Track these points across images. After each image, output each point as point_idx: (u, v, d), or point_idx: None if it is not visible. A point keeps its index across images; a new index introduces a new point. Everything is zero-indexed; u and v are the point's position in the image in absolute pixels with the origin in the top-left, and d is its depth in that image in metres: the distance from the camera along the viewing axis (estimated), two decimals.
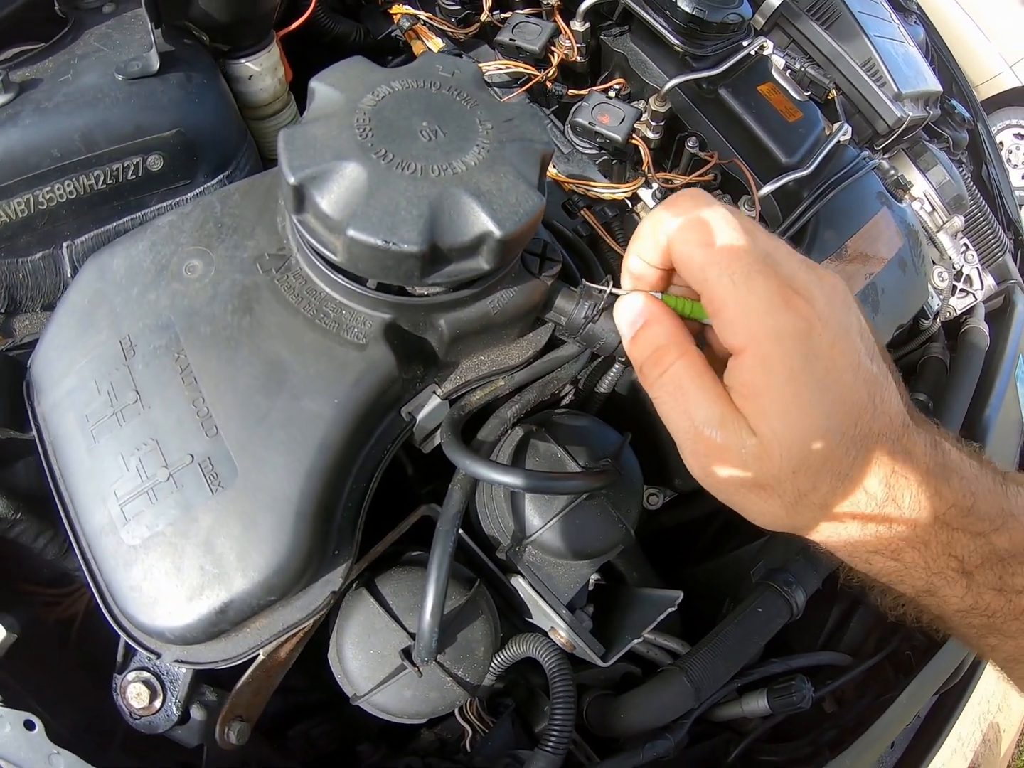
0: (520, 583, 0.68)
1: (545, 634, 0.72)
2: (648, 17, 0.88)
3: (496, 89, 0.93)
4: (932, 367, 1.04)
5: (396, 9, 0.97)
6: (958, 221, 1.09)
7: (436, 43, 0.94)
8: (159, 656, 0.57)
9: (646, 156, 0.88)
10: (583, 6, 0.91)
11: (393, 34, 0.97)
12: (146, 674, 0.62)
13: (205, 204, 0.63)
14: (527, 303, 0.59)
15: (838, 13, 1.00)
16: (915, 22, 1.37)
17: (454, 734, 0.79)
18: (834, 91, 0.99)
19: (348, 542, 0.58)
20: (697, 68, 0.90)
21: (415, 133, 0.52)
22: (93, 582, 0.57)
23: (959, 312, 1.11)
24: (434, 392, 0.62)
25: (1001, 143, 2.71)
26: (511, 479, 0.55)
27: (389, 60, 1.01)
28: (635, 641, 0.70)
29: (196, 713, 0.63)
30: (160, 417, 0.56)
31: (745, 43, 0.92)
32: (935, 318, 1.07)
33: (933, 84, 1.13)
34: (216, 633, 0.55)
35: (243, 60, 0.78)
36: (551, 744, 0.65)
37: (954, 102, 1.29)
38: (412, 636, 0.63)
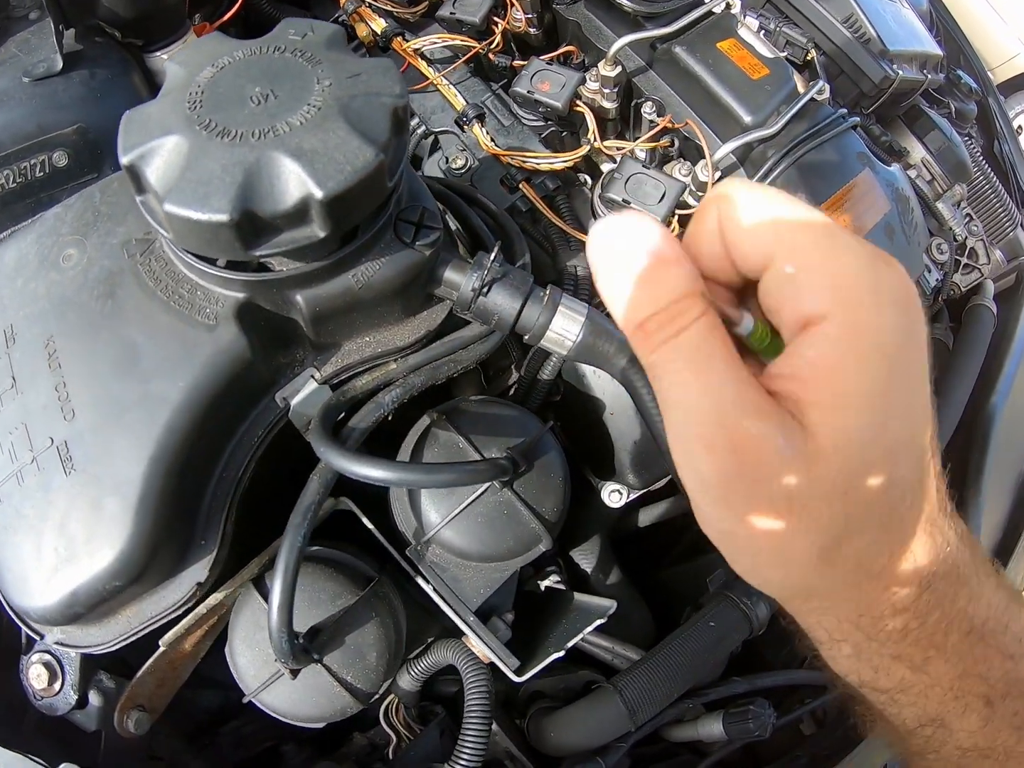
0: (424, 586, 0.63)
1: None
2: None
3: (438, 65, 0.88)
4: (933, 349, 0.92)
5: None
6: (960, 189, 0.97)
7: (379, 24, 0.90)
8: (42, 637, 0.58)
9: (592, 124, 0.82)
10: None
11: (340, 19, 0.94)
12: (47, 656, 0.62)
13: (87, 194, 0.62)
14: (399, 276, 0.54)
15: None
16: None
17: (385, 739, 0.75)
18: (813, 51, 0.89)
19: (215, 530, 0.55)
20: (650, 28, 0.83)
21: (245, 100, 0.48)
22: None
23: (964, 289, 0.99)
24: (312, 376, 0.58)
25: (1019, 128, 2.46)
26: (370, 471, 0.50)
27: None
28: (557, 655, 0.64)
29: (94, 699, 0.63)
30: (31, 402, 0.56)
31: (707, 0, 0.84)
32: (936, 296, 0.95)
33: (931, 47, 1.02)
34: (73, 616, 0.54)
35: (158, 53, 0.78)
36: (460, 763, 0.61)
37: (960, 72, 1.16)
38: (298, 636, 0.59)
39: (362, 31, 0.91)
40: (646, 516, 0.93)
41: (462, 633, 0.69)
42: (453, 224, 0.68)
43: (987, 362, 0.88)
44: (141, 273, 0.55)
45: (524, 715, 0.78)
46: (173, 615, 0.56)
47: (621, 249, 0.32)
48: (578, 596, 0.74)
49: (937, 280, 0.89)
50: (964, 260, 0.97)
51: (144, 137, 0.47)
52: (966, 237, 0.98)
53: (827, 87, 0.82)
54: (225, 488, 0.56)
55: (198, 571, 0.55)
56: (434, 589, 0.62)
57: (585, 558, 0.88)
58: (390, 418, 0.57)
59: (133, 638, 0.57)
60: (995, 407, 0.85)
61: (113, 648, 0.57)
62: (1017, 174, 1.11)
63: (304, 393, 0.57)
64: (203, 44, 0.54)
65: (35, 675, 0.62)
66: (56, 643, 0.58)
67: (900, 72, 0.91)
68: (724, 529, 0.33)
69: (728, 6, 0.86)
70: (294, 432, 0.59)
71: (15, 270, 0.61)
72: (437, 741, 0.73)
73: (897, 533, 0.33)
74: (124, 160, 0.47)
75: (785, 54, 0.87)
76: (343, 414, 0.58)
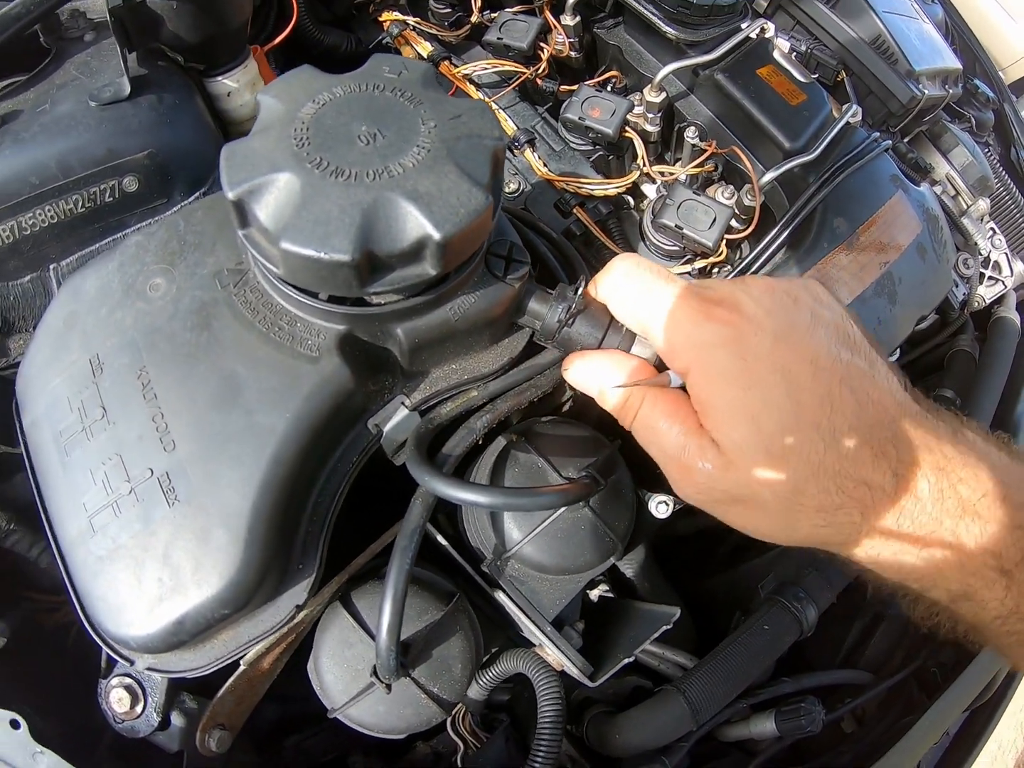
0: (503, 599, 0.64)
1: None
2: (637, 6, 0.83)
3: (486, 89, 0.89)
4: (959, 361, 0.95)
5: (386, 16, 0.94)
6: (983, 204, 1.00)
7: (425, 47, 0.91)
8: (132, 663, 0.57)
9: (640, 149, 0.83)
10: None
11: (384, 41, 0.95)
12: (128, 680, 0.63)
13: (170, 223, 0.61)
14: (492, 308, 0.55)
15: None
16: (933, 0, 1.27)
17: (449, 748, 0.76)
18: (843, 72, 0.92)
19: (312, 556, 0.55)
20: (692, 55, 0.84)
21: (353, 138, 0.48)
22: (73, 590, 0.56)
23: (988, 301, 1.02)
24: (402, 403, 0.58)
25: None
26: (473, 496, 0.52)
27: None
28: (627, 660, 0.65)
29: (176, 719, 0.63)
30: (124, 432, 0.55)
31: (744, 26, 0.86)
32: (963, 308, 0.98)
33: (951, 61, 1.04)
34: (176, 644, 0.54)
35: (220, 78, 0.77)
36: (539, 762, 0.62)
37: (977, 81, 1.19)
38: None
39: (408, 54, 0.92)
40: (685, 524, 0.95)
41: (528, 642, 0.71)
42: None
43: (1013, 371, 0.90)
44: (236, 304, 0.55)
45: (578, 720, 0.80)
46: (271, 637, 0.56)
47: (588, 381, 0.54)
48: (640, 604, 0.76)
49: (964, 294, 0.92)
50: (988, 273, 1.00)
51: (251, 172, 0.47)
52: (990, 251, 1.01)
53: (859, 110, 0.84)
54: (321, 513, 0.56)
55: (297, 594, 0.55)
56: (513, 601, 0.64)
57: (631, 567, 0.89)
58: (480, 442, 0.59)
59: (228, 661, 0.57)
60: (1021, 416, 0.87)
61: (207, 672, 0.57)
62: None
63: (396, 420, 0.58)
64: (296, 78, 0.54)
65: (116, 699, 0.62)
66: (148, 668, 0.57)
67: (926, 91, 0.93)
68: (722, 519, 0.49)
69: (763, 31, 0.87)
70: (378, 454, 0.60)
71: (98, 299, 0.60)
72: (503, 748, 0.74)
73: (843, 474, 0.42)
74: (231, 195, 0.47)
75: (816, 76, 0.89)
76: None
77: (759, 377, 0.42)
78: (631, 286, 0.49)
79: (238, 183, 0.47)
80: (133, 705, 0.62)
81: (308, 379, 0.52)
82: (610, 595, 0.82)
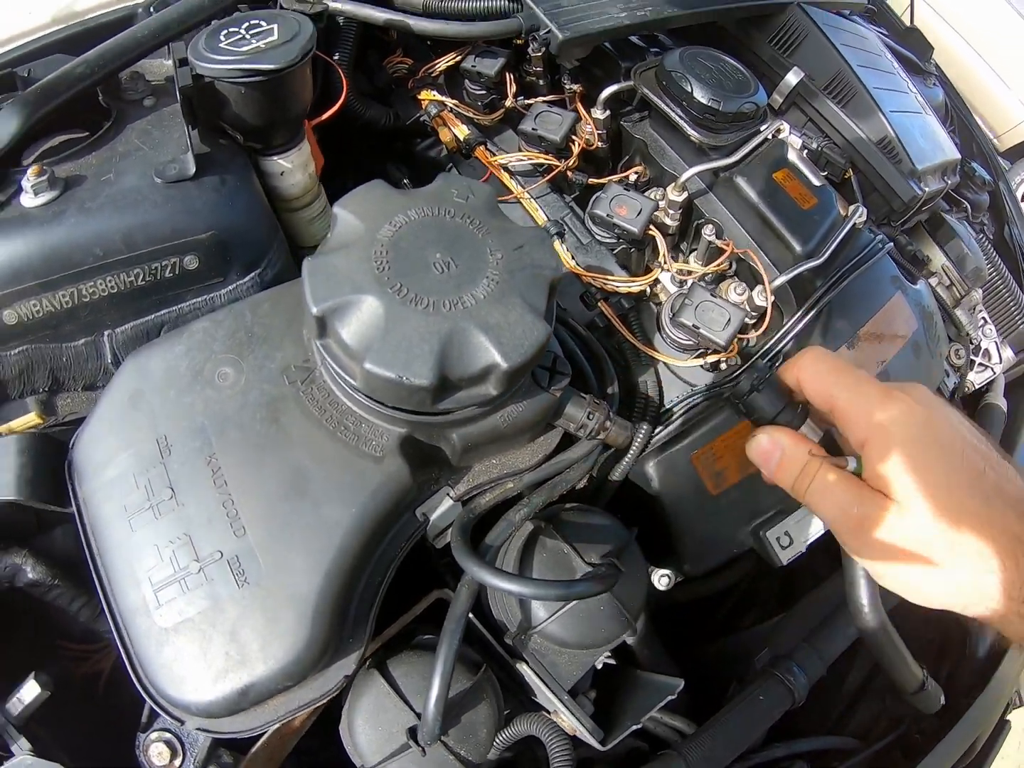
0: (525, 670, 0.70)
1: (548, 712, 0.74)
2: (665, 108, 0.90)
3: (518, 178, 0.96)
4: None
5: (425, 96, 1.01)
6: (976, 295, 1.09)
7: (462, 130, 0.98)
8: (183, 723, 0.62)
9: (662, 247, 0.91)
10: (603, 94, 0.95)
11: (422, 119, 1.01)
12: (168, 735, 0.68)
13: (237, 313, 0.68)
14: (536, 415, 0.63)
15: (854, 91, 1.02)
16: (933, 84, 1.38)
17: None
18: (850, 171, 1.00)
19: (362, 630, 0.62)
20: (714, 157, 0.92)
21: (429, 265, 0.56)
22: (126, 653, 0.61)
23: (977, 386, 1.11)
24: (448, 494, 0.65)
25: None
26: (515, 587, 0.58)
27: (417, 143, 1.06)
28: (634, 727, 0.72)
29: None
30: (193, 514, 0.60)
31: (762, 128, 0.94)
32: (953, 395, 1.07)
33: (951, 153, 1.14)
34: (236, 711, 0.59)
35: (275, 157, 0.83)
36: None
37: (975, 164, 1.30)
38: (419, 716, 0.66)
39: (445, 136, 0.99)
40: (684, 593, 1.02)
41: (537, 706, 0.78)
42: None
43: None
44: (304, 401, 0.62)
45: None
46: (319, 704, 0.62)
47: (765, 458, 0.61)
48: (644, 674, 0.82)
49: (954, 383, 1.01)
50: (979, 360, 1.10)
51: (335, 291, 0.54)
52: (980, 340, 1.10)
53: (864, 212, 0.92)
54: (371, 592, 0.62)
55: (347, 665, 0.62)
56: (535, 672, 0.70)
57: (633, 636, 0.96)
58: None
59: (276, 724, 0.62)
60: None
61: (255, 734, 0.62)
62: None
63: (441, 509, 0.64)
64: (371, 194, 0.61)
65: (156, 752, 0.67)
66: (198, 729, 0.62)
67: (927, 189, 1.02)
68: (890, 581, 0.55)
69: (778, 131, 0.96)
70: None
71: (165, 381, 0.66)
72: None
73: (999, 527, 0.50)
74: (315, 310, 0.54)
75: (825, 173, 0.98)
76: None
77: (928, 445, 0.52)
78: (823, 367, 0.59)
79: (323, 300, 0.54)
80: (172, 759, 0.67)
81: (373, 477, 0.59)
82: (612, 662, 0.89)
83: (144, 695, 0.61)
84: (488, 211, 0.60)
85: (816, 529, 0.86)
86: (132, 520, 0.62)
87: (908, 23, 1.52)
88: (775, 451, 0.60)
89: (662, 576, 0.90)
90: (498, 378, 0.54)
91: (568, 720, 0.72)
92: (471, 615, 0.71)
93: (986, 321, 1.12)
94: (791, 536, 0.86)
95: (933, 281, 1.09)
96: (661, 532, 0.87)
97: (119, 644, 0.62)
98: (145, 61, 0.85)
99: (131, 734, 0.69)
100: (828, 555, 0.88)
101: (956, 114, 1.45)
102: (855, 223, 0.92)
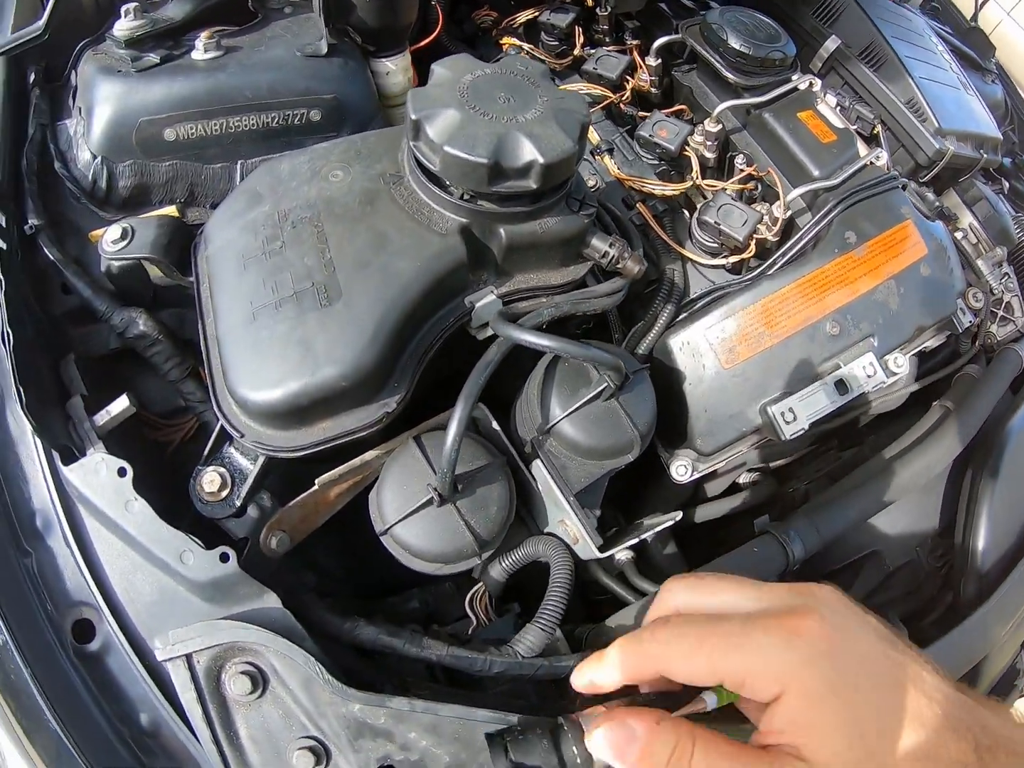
0: (539, 466, 0.91)
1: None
2: (704, 53, 1.21)
3: None
4: (963, 382, 1.24)
5: (506, 40, 1.36)
6: (1000, 251, 1.32)
7: None
8: (243, 436, 0.80)
9: (696, 165, 1.19)
10: (655, 44, 1.26)
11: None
12: (223, 468, 0.84)
13: (350, 139, 0.98)
14: (566, 230, 0.90)
15: (885, 57, 1.31)
16: (993, 81, 1.64)
17: (465, 629, 0.94)
18: (879, 126, 1.27)
19: (406, 381, 0.83)
20: (747, 96, 1.21)
21: (495, 98, 0.86)
22: (210, 375, 0.83)
23: (999, 339, 1.32)
24: (491, 291, 0.92)
25: None
26: (540, 340, 0.82)
27: None
28: (631, 541, 0.93)
29: (251, 511, 0.86)
30: (296, 258, 0.84)
31: (794, 77, 1.23)
32: (973, 340, 1.28)
33: (989, 129, 1.39)
34: (294, 411, 0.78)
35: (383, 59, 1.19)
36: (543, 621, 0.84)
37: None
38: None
39: None
40: (702, 512, 1.24)
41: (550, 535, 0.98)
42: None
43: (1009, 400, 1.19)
44: (393, 194, 0.90)
45: None
46: (363, 433, 0.80)
47: (616, 753, 0.54)
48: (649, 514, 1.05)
49: (971, 322, 1.21)
50: (1001, 313, 1.31)
51: (428, 105, 0.84)
52: (1003, 292, 1.32)
53: (884, 154, 1.18)
54: (420, 350, 0.85)
55: (389, 403, 0.82)
56: (547, 470, 0.92)
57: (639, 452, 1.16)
58: (544, 327, 0.92)
59: (325, 447, 0.79)
60: (1013, 428, 1.16)
61: (306, 453, 0.79)
62: None
63: (485, 300, 0.91)
64: (459, 58, 0.92)
65: (208, 480, 0.83)
66: (255, 442, 0.79)
67: (951, 148, 1.28)
68: None
69: (811, 84, 1.24)
70: (467, 337, 0.93)
71: (289, 176, 0.92)
72: (511, 627, 0.92)
73: (933, 757, 0.50)
74: (414, 116, 0.83)
75: (856, 127, 1.25)
76: None
77: (856, 683, 0.50)
78: (686, 639, 0.55)
79: (420, 109, 0.84)
80: (221, 489, 0.83)
81: (436, 245, 0.86)
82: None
83: (216, 411, 0.81)
84: (542, 76, 0.90)
85: (818, 407, 1.05)
86: (246, 263, 0.85)
87: (972, 23, 1.79)
88: (629, 742, 0.53)
89: (679, 466, 1.07)
90: (537, 172, 0.82)
91: (572, 525, 0.88)
92: (498, 427, 0.90)
93: (1009, 276, 1.33)
94: (795, 412, 1.05)
95: (958, 235, 1.33)
96: (676, 412, 1.10)
97: (206, 365, 0.84)
98: None
99: (185, 493, 0.83)
100: None
101: (1016, 113, 1.70)
102: (872, 161, 1.18)
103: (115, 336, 1.00)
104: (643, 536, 0.94)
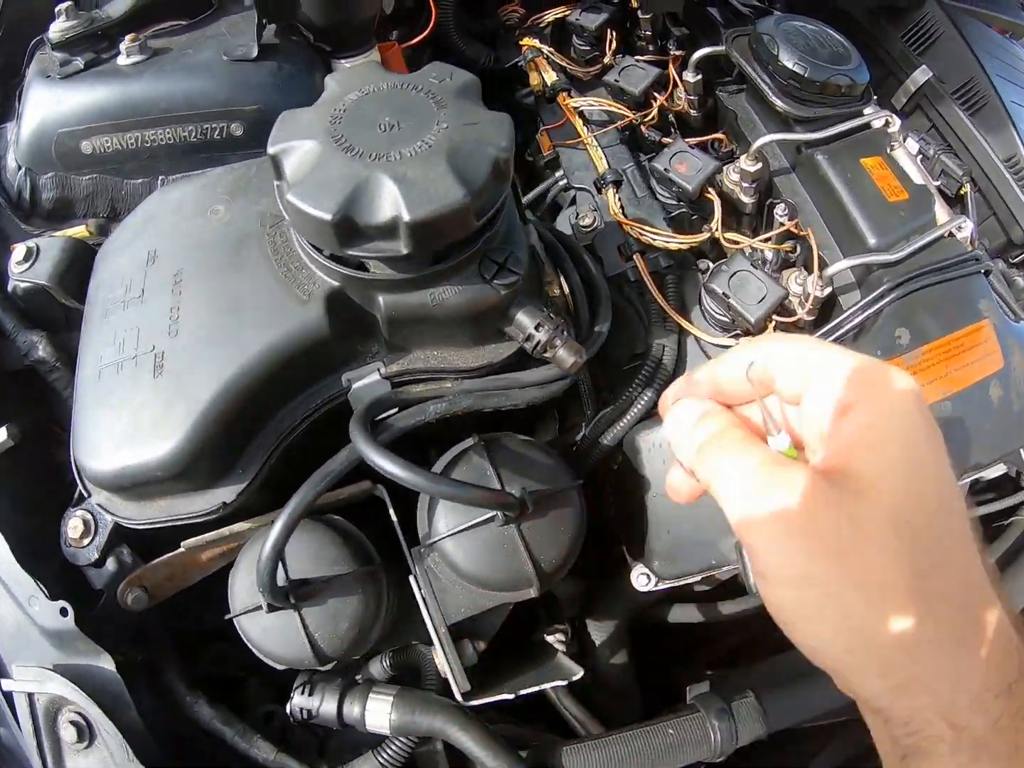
0: (412, 583, 0.75)
1: None
2: (750, 71, 0.94)
3: (593, 125, 1.04)
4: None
5: (525, 42, 1.13)
6: None
7: (551, 76, 1.09)
8: (89, 495, 0.75)
9: (717, 212, 0.93)
10: (694, 56, 1.01)
11: (519, 64, 1.13)
12: (88, 515, 0.82)
13: (248, 165, 0.85)
14: (469, 305, 0.69)
15: (986, 99, 0.99)
16: None
17: None
18: (968, 185, 0.96)
19: (253, 467, 0.72)
20: (799, 131, 0.94)
21: (374, 125, 0.66)
22: (72, 427, 0.75)
23: None
24: (378, 369, 0.73)
25: None
26: (385, 464, 0.62)
27: (518, 89, 1.17)
28: (506, 696, 0.75)
29: (110, 564, 0.82)
30: (148, 313, 0.75)
31: (866, 111, 0.94)
32: None
33: None
34: (119, 487, 0.72)
35: (341, 60, 1.01)
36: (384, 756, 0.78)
37: None
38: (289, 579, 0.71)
39: (534, 80, 1.10)
40: (679, 613, 1.01)
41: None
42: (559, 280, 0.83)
43: None
44: (266, 241, 0.74)
45: None
46: (194, 520, 0.72)
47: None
48: (560, 656, 0.83)
49: None
50: None
51: (290, 135, 0.67)
52: None
53: (970, 225, 0.88)
54: (277, 434, 0.72)
55: (227, 493, 0.72)
56: (419, 590, 0.75)
57: (598, 631, 0.97)
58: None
59: (158, 526, 0.73)
60: None
61: (139, 527, 0.73)
62: None
63: (366, 381, 0.72)
64: (362, 70, 0.73)
65: (73, 526, 0.82)
66: (99, 504, 0.75)
67: None
68: (785, 589, 0.45)
69: (887, 124, 0.95)
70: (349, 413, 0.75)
71: (175, 209, 0.83)
72: None
73: (967, 572, 0.43)
74: (270, 150, 0.66)
75: (939, 183, 0.95)
76: (391, 412, 0.72)
77: (927, 433, 0.44)
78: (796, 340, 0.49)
79: (277, 141, 0.67)
80: (83, 536, 0.82)
81: (291, 317, 0.69)
82: (562, 647, 0.90)
83: (72, 464, 0.75)
84: (458, 93, 0.69)
85: None
86: (107, 309, 0.78)
87: None
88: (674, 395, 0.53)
89: (640, 575, 0.89)
90: (405, 233, 0.61)
91: (439, 660, 0.76)
92: (395, 518, 0.76)
93: None
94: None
95: None
96: (637, 521, 0.87)
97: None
98: None
99: None
100: None
101: None
102: (952, 232, 0.88)
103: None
104: (519, 693, 0.76)
